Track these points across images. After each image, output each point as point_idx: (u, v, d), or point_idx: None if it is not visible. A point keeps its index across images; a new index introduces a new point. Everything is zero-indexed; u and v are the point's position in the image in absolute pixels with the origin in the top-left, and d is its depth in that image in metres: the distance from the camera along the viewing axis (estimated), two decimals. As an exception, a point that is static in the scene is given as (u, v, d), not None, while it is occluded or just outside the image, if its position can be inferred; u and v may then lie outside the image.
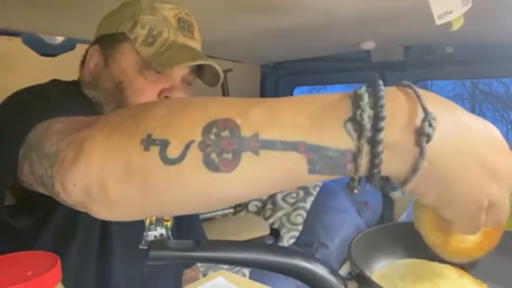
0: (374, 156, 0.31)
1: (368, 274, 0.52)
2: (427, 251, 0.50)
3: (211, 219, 2.02)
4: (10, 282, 0.34)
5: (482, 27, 1.42)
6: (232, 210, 2.06)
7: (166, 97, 0.69)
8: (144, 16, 0.70)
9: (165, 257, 0.42)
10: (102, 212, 0.36)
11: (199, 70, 0.75)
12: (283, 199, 2.13)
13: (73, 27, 1.37)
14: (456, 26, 0.80)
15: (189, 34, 0.73)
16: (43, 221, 0.64)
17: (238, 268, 1.45)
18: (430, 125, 0.30)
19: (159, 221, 0.78)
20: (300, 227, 1.98)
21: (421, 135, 0.30)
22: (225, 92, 1.97)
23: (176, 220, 0.83)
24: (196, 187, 0.33)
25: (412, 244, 0.62)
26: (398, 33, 1.73)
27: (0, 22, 1.21)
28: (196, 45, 0.75)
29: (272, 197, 2.19)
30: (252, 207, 2.21)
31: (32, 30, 1.44)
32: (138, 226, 0.75)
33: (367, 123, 0.30)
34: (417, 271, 0.56)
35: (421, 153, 0.30)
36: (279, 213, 2.07)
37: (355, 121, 0.31)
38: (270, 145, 0.32)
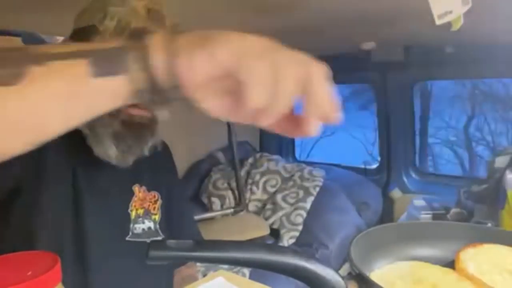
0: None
1: (368, 274, 0.52)
2: (427, 251, 0.50)
3: (211, 219, 2.02)
4: (10, 282, 0.34)
5: (482, 27, 1.42)
6: (232, 210, 2.06)
7: None
8: (114, 7, 0.70)
9: (165, 257, 0.42)
10: None
11: None
12: (283, 199, 2.13)
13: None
14: (456, 26, 0.80)
15: (159, 24, 0.74)
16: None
17: (238, 268, 1.45)
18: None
19: (147, 214, 0.79)
20: (300, 227, 1.98)
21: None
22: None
23: (164, 214, 0.83)
24: None
25: (412, 244, 0.62)
26: (398, 33, 1.73)
27: (0, 22, 1.21)
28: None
29: (272, 197, 2.19)
30: (252, 207, 2.21)
31: (32, 30, 1.44)
32: (124, 219, 0.76)
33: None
34: (416, 272, 0.56)
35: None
36: (279, 213, 2.07)
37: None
38: (53, 57, 0.34)
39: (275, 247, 0.45)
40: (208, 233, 1.90)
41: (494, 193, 1.18)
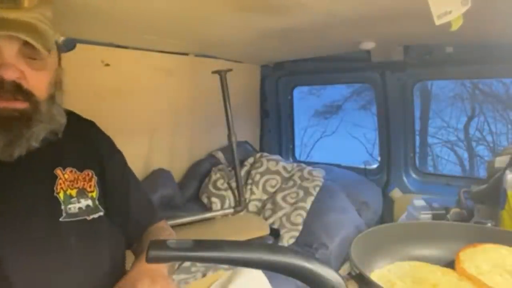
0: None
1: (368, 274, 0.52)
2: (427, 251, 0.50)
3: (211, 219, 2.02)
4: None
5: (482, 27, 1.42)
6: (232, 210, 2.06)
7: None
8: None
9: (165, 257, 0.42)
10: None
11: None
12: (283, 199, 2.13)
13: (73, 27, 1.37)
14: (455, 26, 0.80)
15: (12, 5, 0.72)
16: None
17: (238, 268, 1.45)
18: None
19: (82, 193, 0.81)
20: (300, 227, 1.97)
21: None
22: (224, 92, 1.97)
23: (103, 188, 0.85)
24: None
25: (412, 244, 0.62)
26: (398, 33, 1.73)
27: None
28: (25, 14, 0.73)
29: (272, 197, 2.19)
30: (252, 207, 2.21)
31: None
32: (53, 202, 0.77)
33: None
34: (416, 272, 0.56)
35: None
36: (279, 213, 2.07)
37: None
38: None
39: (275, 247, 0.45)
40: (208, 233, 1.90)
41: (494, 193, 1.18)
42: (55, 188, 0.78)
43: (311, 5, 1.20)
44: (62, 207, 0.78)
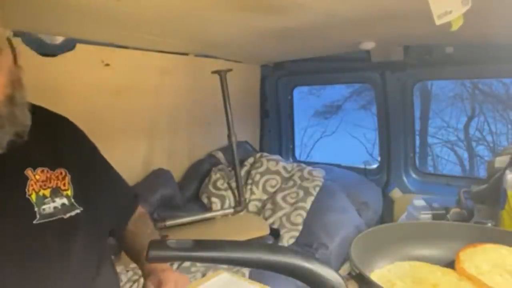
0: None
1: (368, 274, 0.52)
2: (427, 251, 0.50)
3: (211, 219, 2.02)
4: None
5: (482, 27, 1.42)
6: (232, 210, 2.06)
7: None
8: None
9: (165, 256, 0.42)
10: None
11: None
12: (283, 199, 2.13)
13: (73, 27, 1.37)
14: (455, 26, 0.80)
15: None
16: None
17: (238, 268, 1.45)
18: None
19: (57, 192, 0.79)
20: (300, 227, 1.97)
21: None
22: (224, 92, 1.97)
23: (76, 187, 0.83)
24: None
25: (412, 244, 0.62)
26: (398, 33, 1.73)
27: (0, 22, 1.21)
28: None
29: (272, 197, 2.19)
30: (252, 207, 2.21)
31: (32, 30, 1.44)
32: (24, 205, 0.75)
33: None
34: (416, 272, 0.56)
35: None
36: (279, 213, 2.07)
37: None
38: None
39: (275, 247, 0.45)
40: (208, 233, 1.90)
41: (494, 193, 1.18)
42: (26, 190, 0.75)
43: (311, 5, 1.19)
44: (35, 209, 0.75)
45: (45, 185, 0.78)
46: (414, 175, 2.37)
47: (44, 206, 0.76)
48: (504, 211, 1.08)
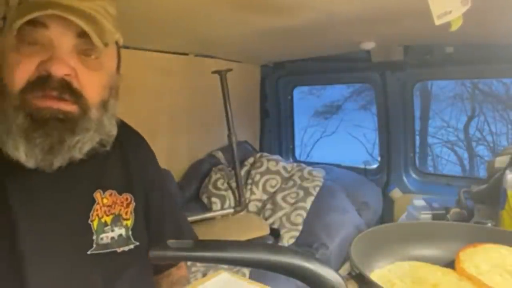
0: None
1: (368, 274, 0.52)
2: (427, 251, 0.50)
3: (211, 219, 2.02)
4: None
5: (482, 27, 1.42)
6: (232, 210, 2.06)
7: (46, 70, 0.61)
8: None
9: (165, 256, 0.42)
10: None
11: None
12: (283, 199, 2.13)
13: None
14: (455, 26, 0.80)
15: None
16: None
17: (238, 268, 1.45)
18: None
19: (117, 221, 0.72)
20: (300, 227, 1.97)
21: None
22: (224, 92, 1.97)
23: (140, 217, 0.76)
24: None
25: (412, 244, 0.62)
26: (398, 33, 1.73)
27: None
28: (82, 3, 0.64)
29: (272, 197, 2.19)
30: (252, 207, 2.21)
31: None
32: (84, 231, 0.69)
33: None
34: (416, 273, 0.56)
35: None
36: (279, 213, 2.07)
37: None
38: None
39: (275, 247, 0.45)
40: (208, 233, 1.90)
41: (494, 193, 1.18)
42: (90, 215, 0.69)
43: (311, 5, 1.20)
44: (94, 237, 0.69)
45: (109, 211, 0.71)
46: (414, 175, 2.37)
47: (102, 235, 0.70)
48: (504, 211, 1.08)
